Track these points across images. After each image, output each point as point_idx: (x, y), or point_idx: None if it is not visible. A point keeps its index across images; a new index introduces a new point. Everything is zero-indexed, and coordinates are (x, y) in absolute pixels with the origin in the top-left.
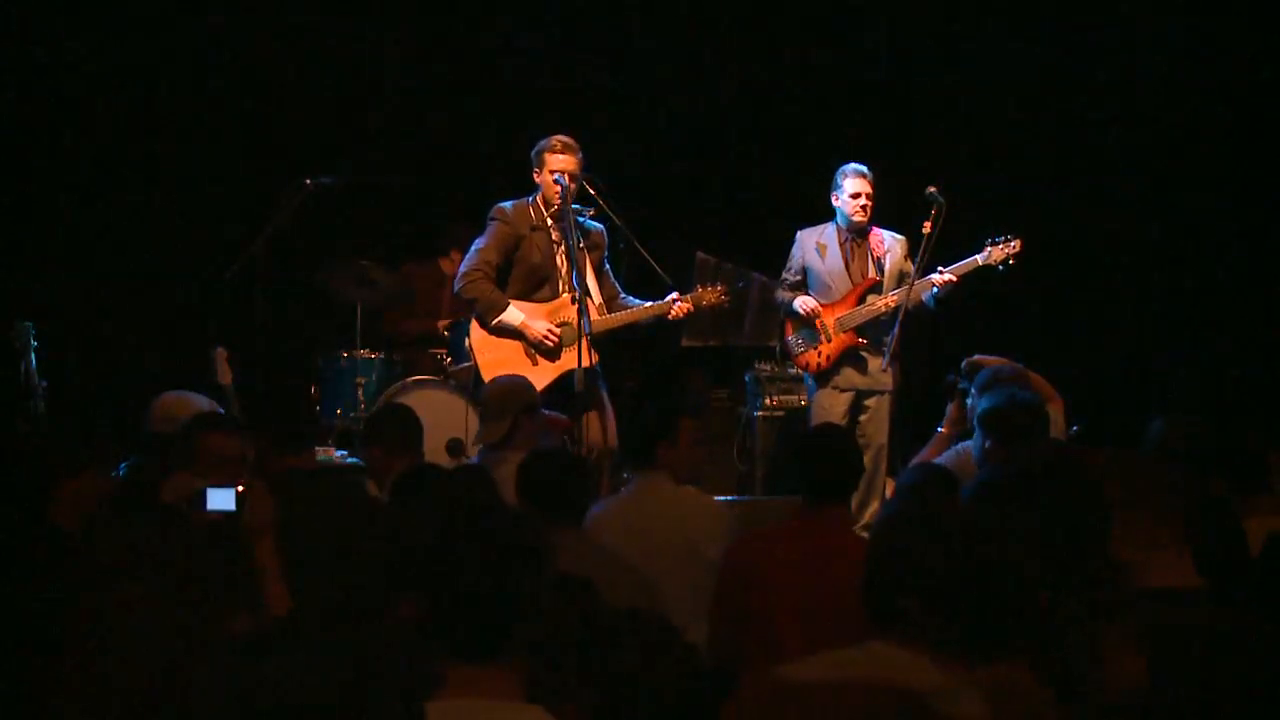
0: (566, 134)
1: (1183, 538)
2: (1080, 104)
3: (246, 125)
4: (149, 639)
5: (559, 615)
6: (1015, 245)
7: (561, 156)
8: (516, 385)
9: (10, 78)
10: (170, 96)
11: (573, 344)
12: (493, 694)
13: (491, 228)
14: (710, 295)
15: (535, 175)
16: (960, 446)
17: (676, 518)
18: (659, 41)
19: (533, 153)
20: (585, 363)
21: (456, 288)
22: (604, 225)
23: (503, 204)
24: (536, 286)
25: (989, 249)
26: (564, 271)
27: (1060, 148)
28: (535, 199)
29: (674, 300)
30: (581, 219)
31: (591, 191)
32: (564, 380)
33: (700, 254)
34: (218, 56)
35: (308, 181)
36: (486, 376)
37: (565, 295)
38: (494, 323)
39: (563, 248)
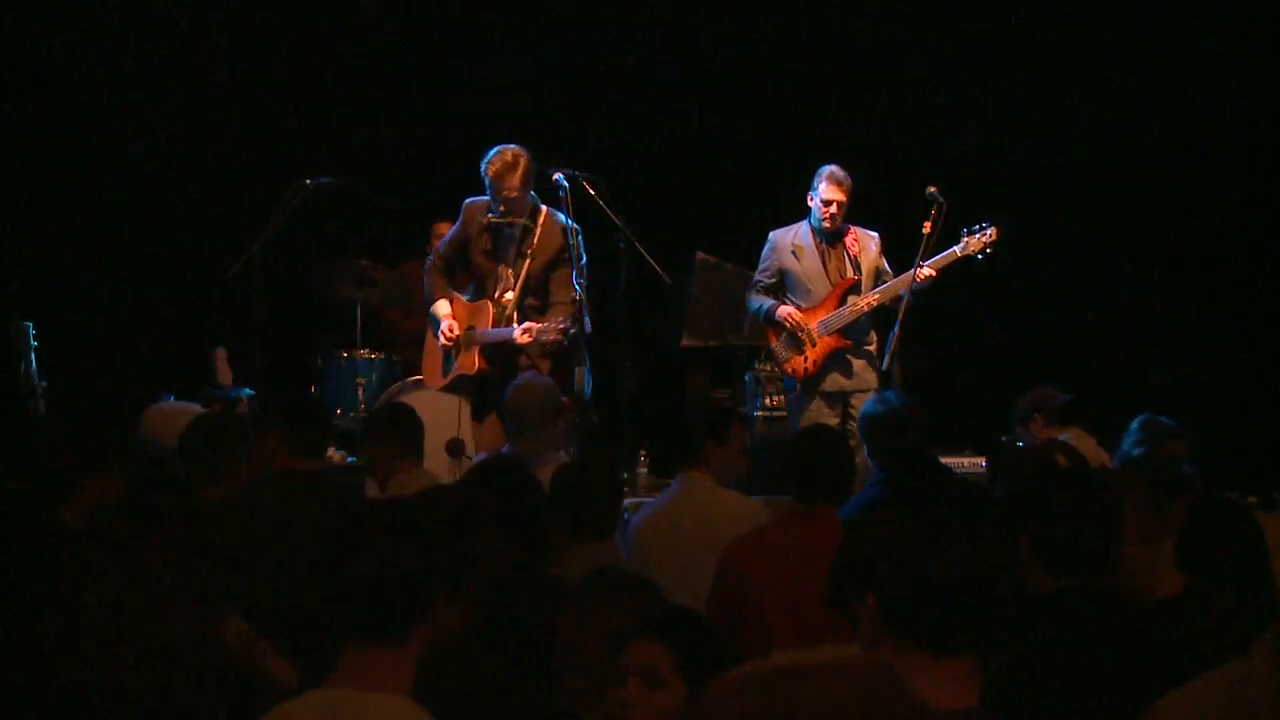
0: (522, 149)
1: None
2: (1079, 104)
3: (246, 125)
4: (148, 638)
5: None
6: (991, 233)
7: (505, 181)
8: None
9: (11, 78)
10: (170, 96)
11: (469, 350)
12: (377, 683)
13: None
14: (551, 333)
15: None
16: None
17: (722, 519)
18: (659, 41)
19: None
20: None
21: None
22: (575, 225)
23: (470, 199)
24: (480, 285)
25: (965, 239)
26: (507, 274)
27: (1060, 147)
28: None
29: (521, 329)
30: (556, 213)
31: (591, 192)
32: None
33: (700, 254)
34: (218, 56)
35: (307, 181)
36: (425, 359)
37: (485, 300)
38: (430, 313)
39: (511, 251)
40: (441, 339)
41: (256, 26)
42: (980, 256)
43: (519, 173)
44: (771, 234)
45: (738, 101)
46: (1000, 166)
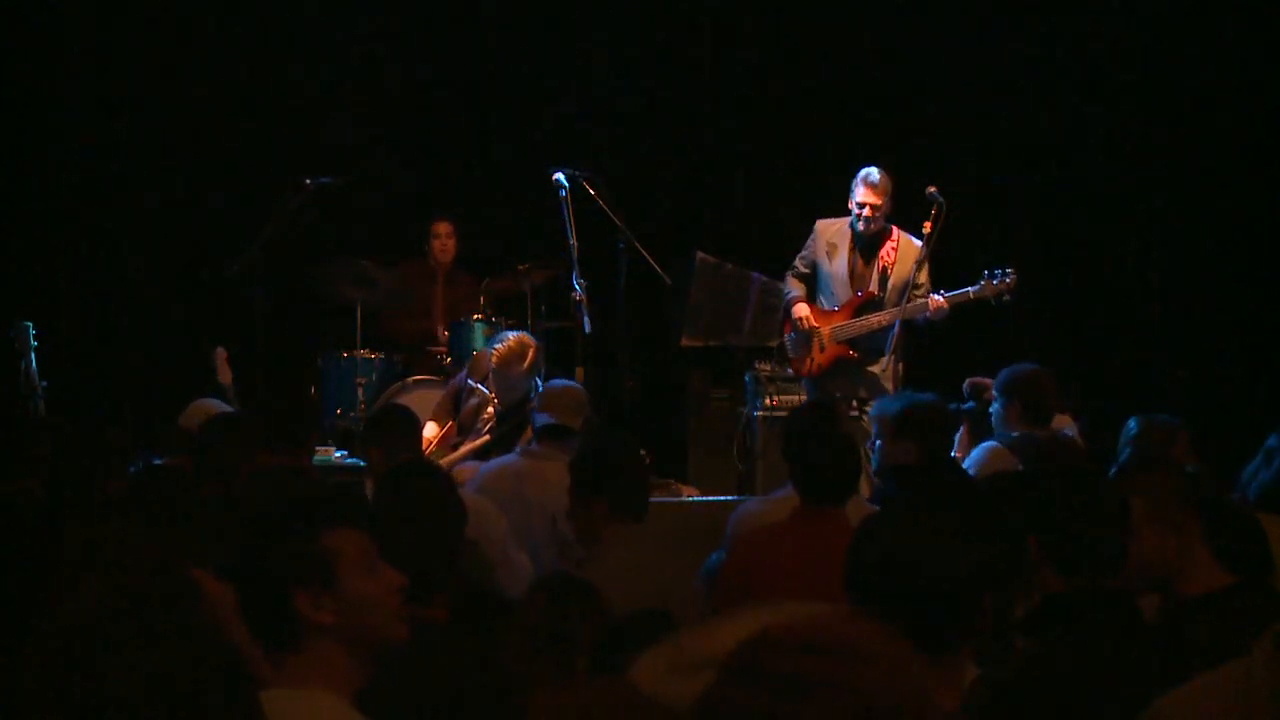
0: (532, 339)
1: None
2: (1079, 102)
3: (246, 125)
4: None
5: (564, 615)
6: (1010, 280)
7: (511, 369)
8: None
9: (11, 78)
10: (170, 96)
11: None
12: (295, 681)
13: None
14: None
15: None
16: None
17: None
18: (659, 41)
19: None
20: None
21: None
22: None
23: (479, 353)
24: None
25: (982, 283)
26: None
27: (1061, 149)
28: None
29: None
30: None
31: (591, 192)
32: None
33: (700, 254)
34: (218, 56)
35: (308, 181)
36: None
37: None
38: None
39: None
40: None
41: (257, 26)
42: (995, 303)
43: (526, 362)
44: (818, 222)
45: (738, 101)
46: (1001, 166)
